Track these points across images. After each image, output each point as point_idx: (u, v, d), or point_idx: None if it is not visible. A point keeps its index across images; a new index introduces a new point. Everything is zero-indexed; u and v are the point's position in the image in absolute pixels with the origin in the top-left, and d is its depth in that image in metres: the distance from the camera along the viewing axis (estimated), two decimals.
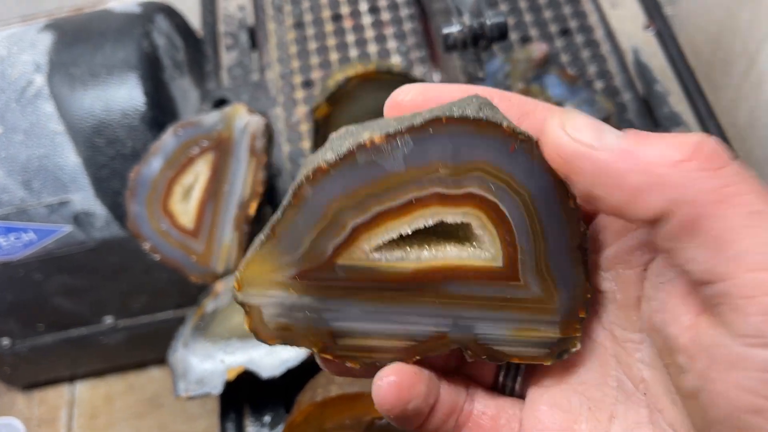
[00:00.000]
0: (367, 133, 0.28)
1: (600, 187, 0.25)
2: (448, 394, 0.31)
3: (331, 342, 0.30)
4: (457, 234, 0.30)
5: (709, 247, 0.23)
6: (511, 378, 0.33)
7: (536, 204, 0.28)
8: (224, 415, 0.69)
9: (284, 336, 0.30)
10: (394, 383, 0.29)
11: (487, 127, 0.27)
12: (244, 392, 0.70)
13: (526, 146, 0.28)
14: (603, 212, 0.27)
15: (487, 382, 0.34)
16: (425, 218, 0.28)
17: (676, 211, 0.24)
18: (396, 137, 0.27)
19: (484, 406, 0.32)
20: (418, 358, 0.30)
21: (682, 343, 0.25)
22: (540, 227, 0.29)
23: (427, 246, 0.30)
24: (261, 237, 0.29)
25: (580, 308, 0.30)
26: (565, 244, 0.29)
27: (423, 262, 0.29)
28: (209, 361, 0.63)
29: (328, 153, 0.28)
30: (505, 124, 0.27)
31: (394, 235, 0.29)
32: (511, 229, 0.29)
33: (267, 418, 0.68)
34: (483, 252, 0.29)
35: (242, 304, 0.29)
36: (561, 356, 0.31)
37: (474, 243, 0.30)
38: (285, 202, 0.28)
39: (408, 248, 0.29)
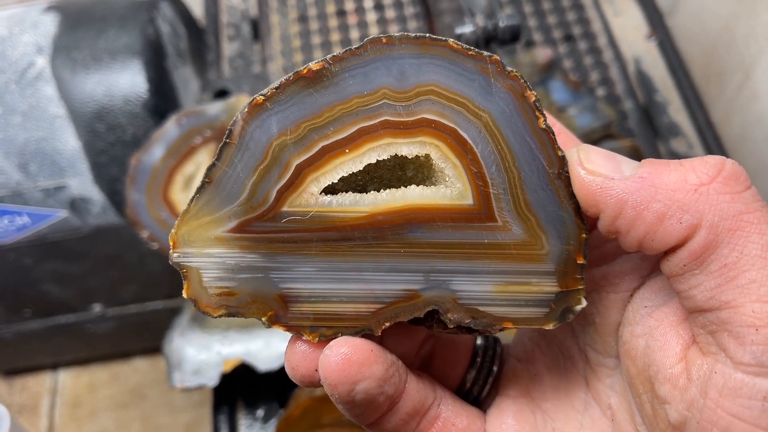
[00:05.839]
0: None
1: (622, 220, 0.24)
2: (416, 391, 0.27)
3: (282, 309, 0.26)
4: (422, 176, 0.27)
5: (717, 275, 0.23)
6: (480, 382, 0.31)
7: (500, 127, 0.25)
8: (217, 408, 0.68)
9: (228, 304, 0.26)
10: (343, 356, 0.25)
11: (432, 45, 0.25)
12: (238, 385, 0.69)
13: (479, 63, 0.25)
14: (626, 248, 0.26)
15: (451, 386, 0.31)
16: (377, 152, 0.25)
17: (694, 237, 0.23)
18: (335, 63, 0.25)
19: (454, 415, 0.28)
20: (387, 325, 0.26)
21: (669, 372, 0.25)
22: (510, 154, 0.25)
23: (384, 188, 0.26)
24: (198, 186, 0.26)
25: (576, 252, 0.26)
26: (542, 173, 0.25)
27: (380, 204, 0.25)
28: (206, 353, 0.62)
29: (267, 87, 0.25)
30: (451, 40, 0.25)
31: (344, 173, 0.25)
32: (477, 158, 0.25)
33: (260, 412, 0.68)
34: (449, 188, 0.25)
35: (178, 267, 0.26)
36: (565, 316, 0.26)
37: (438, 180, 0.26)
38: (221, 142, 0.25)
39: (364, 192, 0.26)
